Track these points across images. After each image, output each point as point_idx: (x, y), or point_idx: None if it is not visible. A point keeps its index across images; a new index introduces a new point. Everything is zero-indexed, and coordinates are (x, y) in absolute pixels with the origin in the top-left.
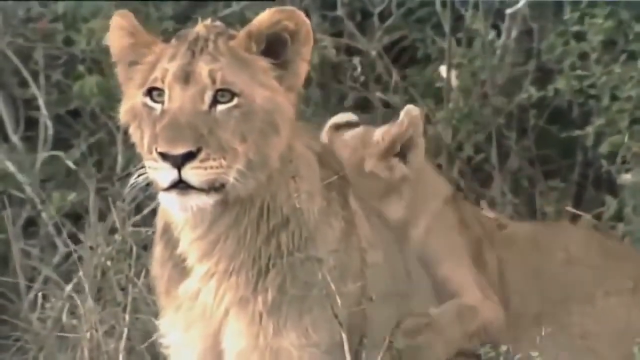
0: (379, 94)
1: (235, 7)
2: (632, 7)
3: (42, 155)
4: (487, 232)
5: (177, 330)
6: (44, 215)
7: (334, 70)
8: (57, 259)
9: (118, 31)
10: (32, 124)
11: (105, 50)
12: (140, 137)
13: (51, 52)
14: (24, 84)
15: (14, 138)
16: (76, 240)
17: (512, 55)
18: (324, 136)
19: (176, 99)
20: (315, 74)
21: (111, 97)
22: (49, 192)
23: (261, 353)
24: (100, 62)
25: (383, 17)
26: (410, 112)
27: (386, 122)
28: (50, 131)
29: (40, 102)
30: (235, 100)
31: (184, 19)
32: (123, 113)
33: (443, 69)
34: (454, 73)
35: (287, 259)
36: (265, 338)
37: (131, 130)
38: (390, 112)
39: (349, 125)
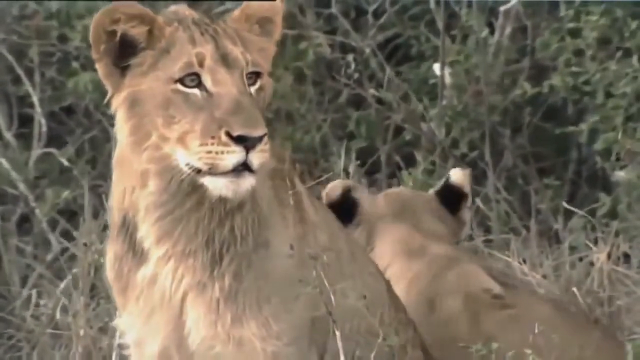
0: (372, 91)
1: (229, 4)
2: (626, 4)
3: (36, 152)
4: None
5: (138, 322)
6: (37, 212)
7: (328, 67)
8: (50, 256)
9: (130, 21)
10: (26, 121)
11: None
12: (166, 124)
13: (45, 49)
14: (17, 81)
15: (8, 135)
16: (70, 238)
17: (505, 53)
18: None
19: (226, 82)
20: (310, 71)
21: (105, 94)
22: (43, 189)
23: (224, 342)
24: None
25: (377, 14)
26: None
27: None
28: (44, 128)
29: (34, 99)
30: (259, 83)
31: None
32: (120, 100)
33: (437, 67)
34: (447, 70)
35: (240, 244)
36: (223, 326)
37: (127, 117)
38: (383, 109)
39: None
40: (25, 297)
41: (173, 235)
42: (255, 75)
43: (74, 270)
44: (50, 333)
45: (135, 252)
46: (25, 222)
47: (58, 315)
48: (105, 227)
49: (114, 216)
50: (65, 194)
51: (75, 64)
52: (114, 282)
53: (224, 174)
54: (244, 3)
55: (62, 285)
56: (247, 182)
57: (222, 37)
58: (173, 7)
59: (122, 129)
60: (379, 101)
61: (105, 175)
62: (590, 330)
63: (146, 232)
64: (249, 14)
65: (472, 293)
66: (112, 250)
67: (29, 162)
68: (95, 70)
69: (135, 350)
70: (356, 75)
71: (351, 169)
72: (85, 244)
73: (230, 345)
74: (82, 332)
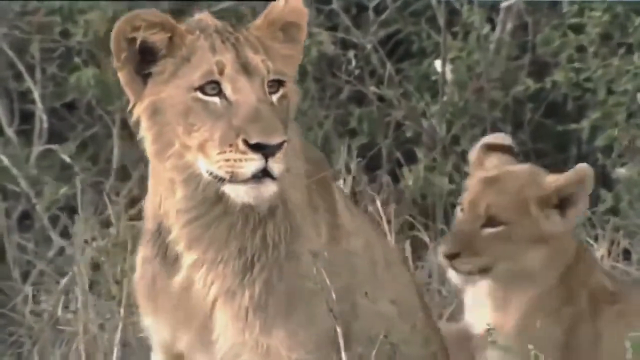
0: (373, 88)
1: (229, 1)
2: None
3: (37, 148)
4: (592, 303)
5: (164, 324)
6: (38, 209)
7: (329, 63)
8: (51, 252)
9: (151, 28)
10: (27, 117)
11: (102, 43)
12: (186, 132)
13: (47, 44)
14: (18, 77)
15: (9, 131)
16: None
17: (507, 49)
18: (474, 154)
19: (245, 90)
20: (311, 68)
21: (107, 90)
22: (44, 185)
23: (251, 350)
24: (96, 55)
25: (378, 10)
26: (581, 169)
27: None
28: (45, 124)
29: (36, 95)
30: (281, 91)
31: (179, 13)
32: (142, 109)
33: (438, 63)
34: (448, 67)
35: (272, 253)
36: (251, 334)
37: (148, 125)
38: (384, 106)
39: (502, 148)
40: (26, 294)
41: (203, 240)
42: (278, 83)
43: (75, 267)
44: (52, 330)
45: (167, 258)
46: (26, 219)
47: (59, 312)
48: (106, 224)
49: (147, 223)
50: (63, 189)
51: (77, 60)
52: (140, 283)
53: (244, 181)
54: (267, 9)
55: (63, 282)
56: (269, 188)
57: (244, 45)
58: (197, 16)
59: (145, 138)
60: (380, 98)
61: (106, 172)
62: None
63: (177, 236)
64: (271, 20)
65: (593, 289)
66: (141, 253)
67: (30, 158)
68: (97, 65)
69: (161, 352)
70: (357, 72)
71: (352, 166)
72: (86, 241)
73: (257, 353)
74: (83, 329)
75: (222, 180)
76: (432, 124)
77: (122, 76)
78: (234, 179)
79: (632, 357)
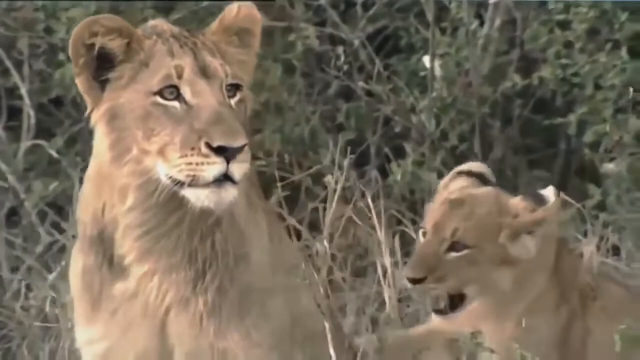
0: (362, 84)
1: (205, 3)
2: None
3: (25, 144)
4: (581, 300)
5: (112, 335)
6: (27, 204)
7: (317, 59)
8: (40, 248)
9: (109, 34)
10: (14, 113)
11: None
12: (146, 137)
13: (33, 41)
14: (6, 73)
15: None
16: (59, 230)
17: (495, 45)
18: (445, 180)
19: (205, 94)
20: (299, 63)
21: None
22: (32, 181)
23: (208, 355)
24: None
25: (366, 6)
26: (555, 205)
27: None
28: (33, 120)
29: (23, 91)
30: (239, 95)
31: (166, 10)
32: (100, 115)
33: (426, 59)
34: (437, 62)
35: (222, 259)
36: (206, 339)
37: (107, 131)
38: (373, 102)
39: (470, 173)
40: (15, 289)
41: (155, 251)
42: (235, 88)
43: (64, 263)
44: (40, 325)
45: (112, 266)
46: (14, 214)
47: (47, 308)
48: None
49: (85, 229)
50: (53, 185)
51: (61, 56)
52: (82, 293)
53: (205, 185)
54: (222, 14)
55: (51, 277)
56: (230, 193)
57: (201, 49)
58: (152, 22)
59: (101, 143)
60: (369, 93)
61: None
62: None
63: (127, 250)
64: (226, 26)
65: (581, 286)
66: (80, 261)
67: (18, 154)
68: None
69: None
70: (345, 67)
71: (344, 163)
72: (74, 236)
73: (215, 357)
74: (70, 325)
75: (181, 184)
76: (420, 120)
77: (79, 82)
78: (194, 182)
79: (621, 351)
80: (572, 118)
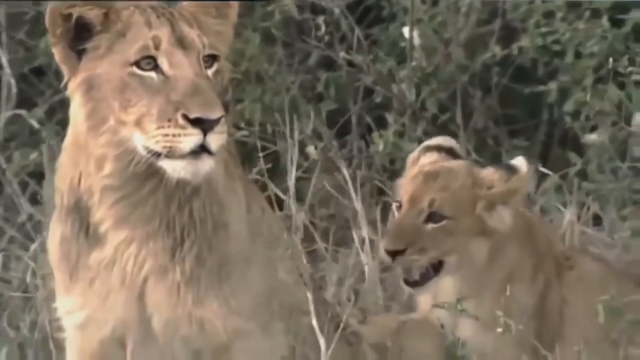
0: (342, 54)
1: None
2: None
3: (6, 114)
4: (556, 269)
5: (90, 305)
6: (7, 174)
7: (298, 28)
8: (21, 218)
9: (86, 4)
10: None
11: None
12: (122, 108)
13: (16, 9)
14: None
15: None
16: (40, 201)
17: (477, 14)
18: (413, 155)
19: (182, 65)
20: (278, 32)
21: None
22: (13, 151)
23: (186, 324)
24: None
25: None
26: (525, 174)
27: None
28: (14, 90)
29: (4, 60)
30: (216, 66)
31: None
32: (76, 85)
33: (406, 30)
34: (416, 32)
35: (200, 228)
36: (184, 309)
37: (83, 101)
38: (353, 71)
39: (440, 148)
40: None
41: (131, 219)
42: (212, 59)
43: (44, 234)
44: (21, 296)
45: (88, 236)
46: None
47: (28, 279)
48: None
49: (62, 198)
50: (34, 155)
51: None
52: (60, 262)
53: (182, 156)
54: None
55: (32, 248)
56: (206, 164)
57: (178, 20)
58: None
59: (78, 113)
60: (350, 63)
61: None
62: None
63: (102, 216)
64: None
65: (556, 256)
66: (58, 231)
67: None
68: None
69: (78, 332)
70: (326, 37)
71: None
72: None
73: (192, 326)
74: (50, 295)
75: (158, 155)
76: (401, 89)
77: (56, 52)
78: (171, 154)
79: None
80: (553, 86)
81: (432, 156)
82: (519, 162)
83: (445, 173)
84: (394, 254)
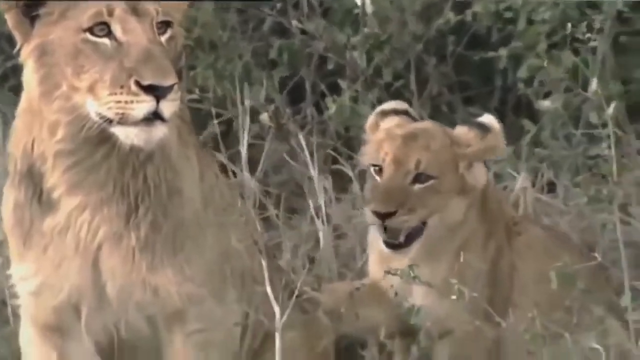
0: (295, 22)
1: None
2: None
3: None
4: (507, 236)
5: (44, 271)
6: None
7: None
8: None
9: None
10: None
11: None
12: (75, 74)
13: None
14: None
15: None
16: None
17: None
18: (370, 120)
19: (136, 31)
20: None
21: None
22: None
23: (140, 290)
24: None
25: None
26: (497, 130)
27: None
28: None
29: None
30: (169, 32)
31: None
32: (29, 51)
33: None
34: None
35: (155, 194)
36: (138, 275)
37: (36, 67)
38: (306, 38)
39: (397, 112)
40: None
41: (85, 185)
42: (166, 25)
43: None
44: None
45: (42, 201)
46: None
47: None
48: None
49: (16, 164)
50: None
51: None
52: (14, 229)
53: (135, 123)
54: None
55: None
56: (159, 131)
57: None
58: None
59: (31, 79)
60: (303, 31)
61: None
62: (586, 259)
63: (56, 182)
64: None
65: (507, 222)
66: (12, 197)
67: None
68: None
69: (32, 299)
70: (279, 5)
71: (272, 95)
72: None
73: (147, 292)
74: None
75: (110, 121)
76: (353, 57)
77: (9, 18)
78: (124, 120)
79: (556, 288)
80: (503, 52)
81: (394, 119)
82: (488, 119)
83: (422, 134)
84: (384, 216)
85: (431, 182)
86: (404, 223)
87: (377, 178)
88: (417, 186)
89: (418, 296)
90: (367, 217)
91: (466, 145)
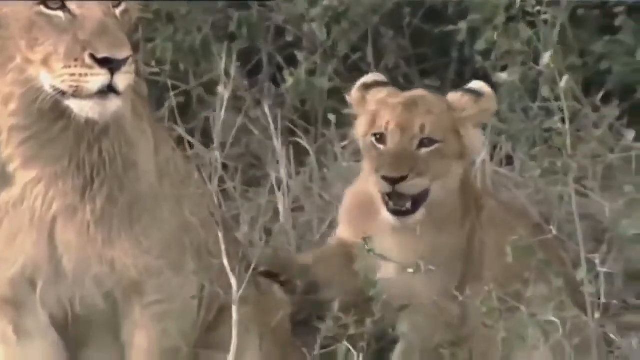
0: None
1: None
2: None
3: None
4: (476, 211)
5: (0, 243)
6: None
7: None
8: None
9: None
10: None
11: None
12: (29, 46)
13: None
14: None
15: None
16: None
17: None
18: (354, 94)
19: (89, 5)
20: None
21: None
22: None
23: (97, 264)
24: None
25: None
26: (485, 86)
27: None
28: None
29: None
30: (124, 5)
31: None
32: None
33: None
34: None
35: (110, 167)
36: (94, 249)
37: None
38: (265, 10)
39: (379, 83)
40: None
41: (41, 158)
42: None
43: None
44: None
45: None
46: None
47: None
48: None
49: None
50: None
51: None
52: None
53: (89, 96)
54: None
55: None
56: (113, 104)
57: None
58: None
59: None
60: (261, 4)
61: None
62: (541, 232)
63: (11, 155)
64: None
65: (476, 197)
66: None
67: None
68: None
69: None
70: None
71: (232, 70)
72: None
73: (103, 265)
74: None
75: (64, 94)
76: (312, 29)
77: None
78: (78, 93)
79: (512, 261)
80: (462, 25)
81: (382, 90)
82: (478, 85)
83: (421, 100)
84: (395, 181)
85: (436, 145)
86: (413, 187)
87: (380, 147)
88: (424, 150)
89: (387, 270)
90: (375, 185)
91: (462, 109)
